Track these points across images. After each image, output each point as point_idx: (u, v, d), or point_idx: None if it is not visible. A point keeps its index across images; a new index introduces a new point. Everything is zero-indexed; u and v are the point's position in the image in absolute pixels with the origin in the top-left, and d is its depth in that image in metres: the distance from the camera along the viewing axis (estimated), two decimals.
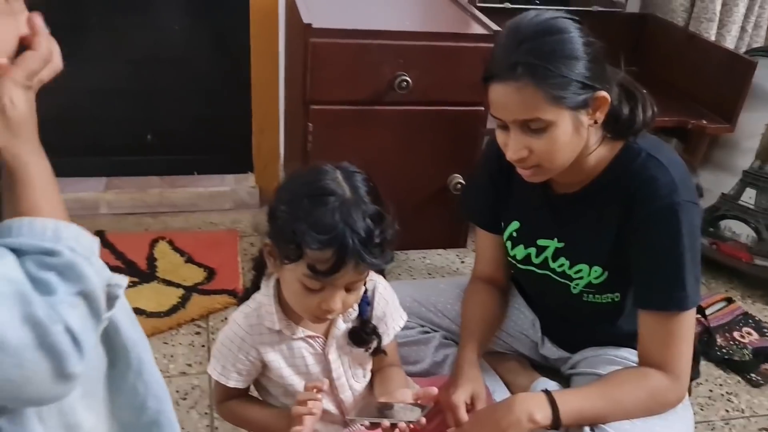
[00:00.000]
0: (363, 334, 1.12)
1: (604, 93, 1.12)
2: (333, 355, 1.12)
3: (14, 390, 0.62)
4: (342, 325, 1.12)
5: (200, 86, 2.32)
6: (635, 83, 1.21)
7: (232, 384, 1.10)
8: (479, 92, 1.68)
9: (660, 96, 1.24)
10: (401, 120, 1.69)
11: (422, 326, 1.48)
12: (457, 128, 1.74)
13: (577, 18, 1.12)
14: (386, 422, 1.05)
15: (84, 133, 2.30)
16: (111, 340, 0.75)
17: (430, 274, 2.15)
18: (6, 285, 0.61)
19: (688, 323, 1.19)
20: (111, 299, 0.70)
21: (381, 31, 1.61)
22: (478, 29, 1.71)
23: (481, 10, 2.00)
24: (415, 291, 1.50)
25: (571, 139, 1.13)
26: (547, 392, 1.18)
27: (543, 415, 1.14)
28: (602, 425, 1.18)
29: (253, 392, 1.20)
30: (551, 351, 1.44)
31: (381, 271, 1.13)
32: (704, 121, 2.02)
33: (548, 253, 1.31)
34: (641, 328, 1.22)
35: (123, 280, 0.72)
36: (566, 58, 1.08)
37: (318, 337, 1.11)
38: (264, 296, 1.09)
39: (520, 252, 1.35)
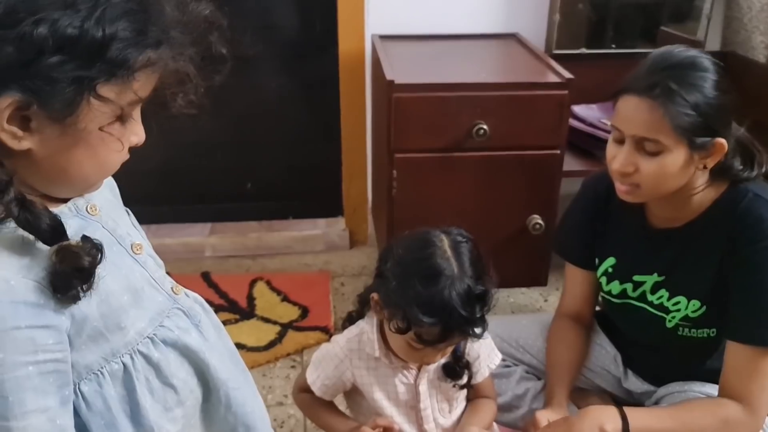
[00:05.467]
0: (456, 368, 1.19)
1: (723, 141, 1.15)
2: (423, 387, 1.19)
3: None
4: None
5: (294, 138, 2.49)
6: (754, 141, 1.24)
7: (315, 392, 1.21)
8: (555, 136, 1.78)
9: None
10: (481, 165, 1.79)
11: (504, 360, 1.54)
12: (535, 171, 1.82)
13: (722, 64, 1.16)
14: None
15: (190, 183, 2.52)
16: (204, 377, 0.84)
17: (513, 312, 2.20)
18: None
19: None
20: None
21: (459, 84, 1.73)
22: (552, 78, 1.80)
23: (558, 57, 2.08)
24: (498, 327, 1.54)
25: (678, 171, 1.16)
26: (619, 407, 1.23)
27: (613, 427, 1.18)
28: None
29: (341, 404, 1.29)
30: (636, 384, 1.45)
31: None
32: None
33: (646, 287, 1.33)
34: (728, 359, 1.23)
35: None
36: (703, 96, 1.12)
37: (411, 368, 1.19)
38: (367, 324, 1.19)
39: (615, 287, 1.38)
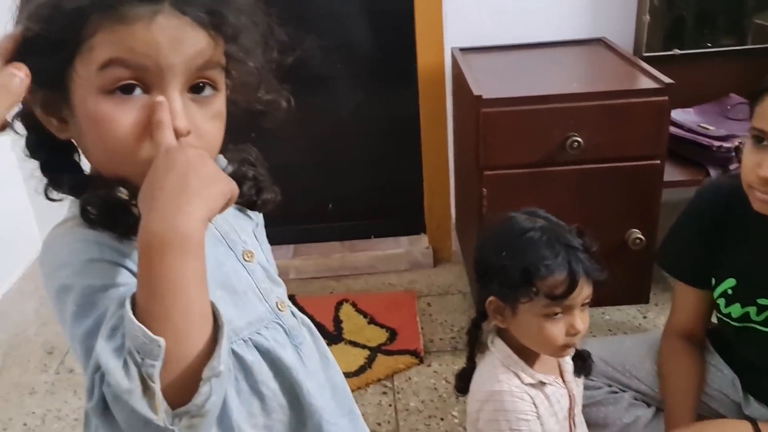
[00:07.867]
0: (579, 361, 1.17)
1: None
2: (575, 390, 1.16)
3: None
4: (570, 362, 1.16)
5: (375, 156, 2.47)
6: None
7: None
8: (655, 145, 1.68)
9: None
10: (575, 179, 1.71)
11: (609, 386, 1.45)
12: (633, 183, 1.72)
13: None
14: None
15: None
16: (297, 399, 0.78)
17: (610, 330, 2.09)
18: None
19: None
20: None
21: (549, 95, 1.65)
22: (647, 83, 1.70)
23: (649, 59, 1.98)
24: (601, 349, 1.47)
25: None
26: (754, 424, 1.17)
27: None
28: None
29: None
30: (760, 411, 1.34)
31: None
32: None
33: None
34: None
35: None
36: None
37: (557, 378, 1.15)
38: (504, 358, 1.12)
39: (735, 310, 1.29)
